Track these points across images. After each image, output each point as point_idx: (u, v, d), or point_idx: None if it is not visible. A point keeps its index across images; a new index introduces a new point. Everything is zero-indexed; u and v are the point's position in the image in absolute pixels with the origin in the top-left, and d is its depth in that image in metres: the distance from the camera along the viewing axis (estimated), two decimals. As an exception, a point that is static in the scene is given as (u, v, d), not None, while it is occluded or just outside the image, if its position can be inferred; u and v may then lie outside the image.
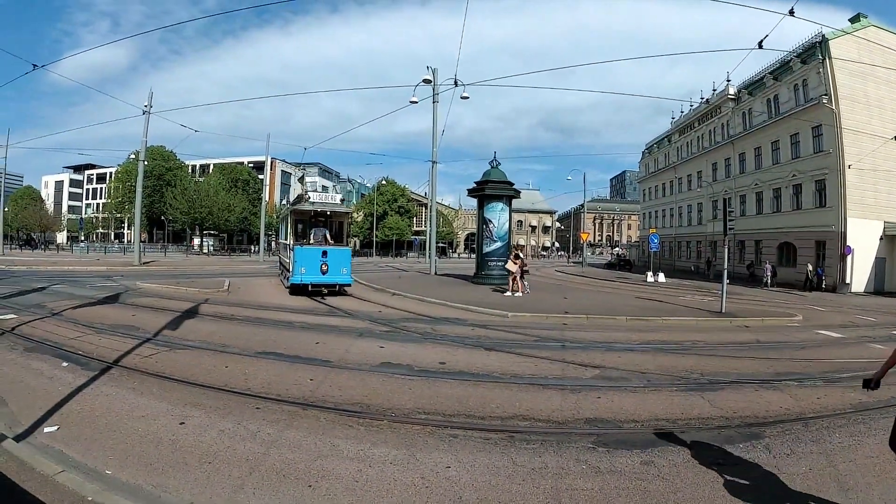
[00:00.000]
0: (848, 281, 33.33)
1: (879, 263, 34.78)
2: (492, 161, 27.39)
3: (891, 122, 34.01)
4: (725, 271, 19.28)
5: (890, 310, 23.50)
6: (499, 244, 26.12)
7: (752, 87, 46.19)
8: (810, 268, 35.09)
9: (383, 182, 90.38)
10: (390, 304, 17.67)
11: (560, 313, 16.02)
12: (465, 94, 26.88)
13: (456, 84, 25.92)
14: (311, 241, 19.26)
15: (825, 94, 35.24)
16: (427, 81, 27.94)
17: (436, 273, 31.63)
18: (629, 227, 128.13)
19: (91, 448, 4.96)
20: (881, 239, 34.78)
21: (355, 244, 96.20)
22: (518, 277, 21.10)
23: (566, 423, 6.36)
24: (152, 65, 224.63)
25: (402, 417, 6.26)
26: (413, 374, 8.35)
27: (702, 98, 50.86)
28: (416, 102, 27.79)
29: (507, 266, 22.51)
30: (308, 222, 20.95)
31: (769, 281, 35.80)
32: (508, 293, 20.82)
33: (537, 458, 5.21)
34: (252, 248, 74.54)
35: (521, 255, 22.54)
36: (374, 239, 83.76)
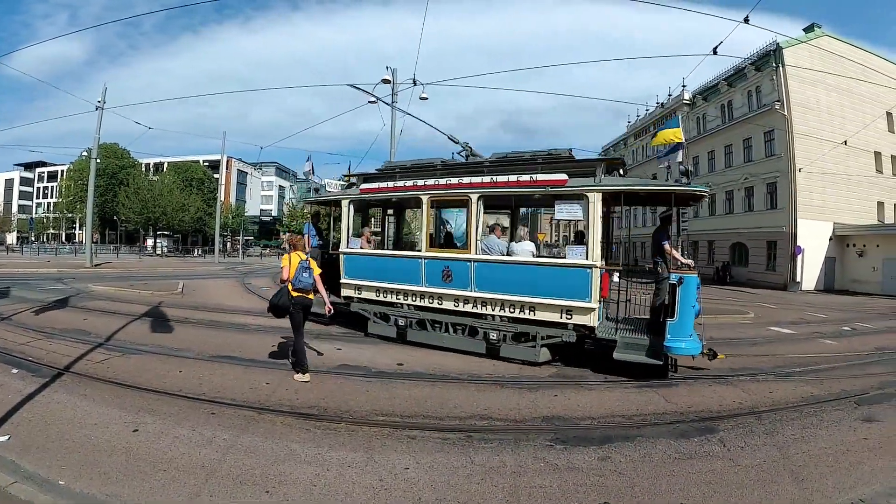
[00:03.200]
0: (798, 279, 34.38)
1: (829, 263, 36.12)
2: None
3: (840, 128, 35.36)
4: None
5: (839, 307, 24.33)
6: (457, 245, 26.03)
7: (707, 92, 47.59)
8: (718, 264, 40.54)
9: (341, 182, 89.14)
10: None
11: None
12: (423, 95, 26.79)
13: (415, 83, 25.80)
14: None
15: (778, 101, 36.52)
16: (386, 81, 27.74)
17: None
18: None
19: (44, 458, 4.78)
20: (830, 239, 36.16)
21: None
22: None
23: (524, 421, 6.41)
24: (110, 60, 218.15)
25: (360, 420, 6.22)
26: (370, 376, 8.30)
27: (658, 102, 52.06)
28: (375, 102, 27.61)
29: None
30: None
31: None
32: None
33: (496, 456, 5.23)
34: (196, 249, 73.31)
35: None
36: (332, 239, 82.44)
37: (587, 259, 9.21)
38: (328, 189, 14.24)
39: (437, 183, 10.75)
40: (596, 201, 9.17)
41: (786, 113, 35.81)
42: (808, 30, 39.40)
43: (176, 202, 69.31)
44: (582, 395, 7.83)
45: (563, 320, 9.35)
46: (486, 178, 10.25)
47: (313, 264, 8.21)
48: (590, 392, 8.01)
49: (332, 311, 9.01)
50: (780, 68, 36.91)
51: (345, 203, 12.21)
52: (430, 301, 10.73)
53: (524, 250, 10.13)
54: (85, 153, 59.31)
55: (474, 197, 10.26)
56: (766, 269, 38.14)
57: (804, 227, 35.13)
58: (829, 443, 6.17)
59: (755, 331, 15.14)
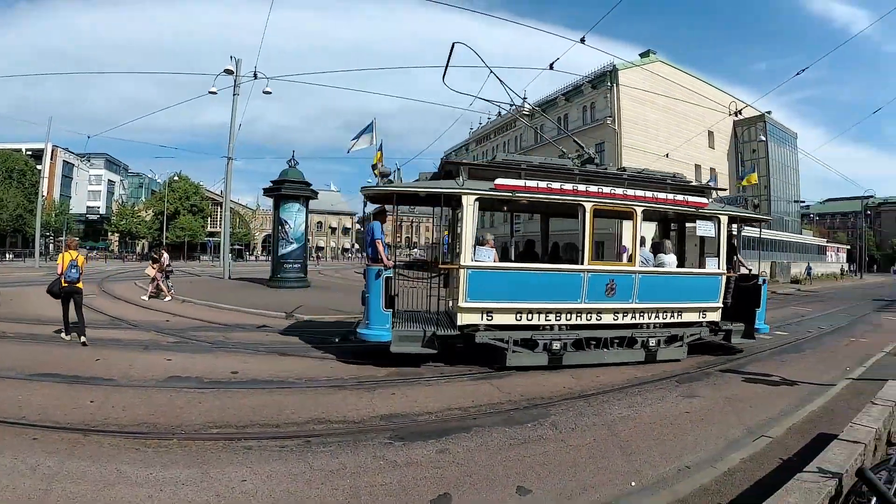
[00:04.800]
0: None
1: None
2: (290, 160, 26.54)
3: (664, 143, 39.76)
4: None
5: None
6: (295, 246, 25.39)
7: (546, 105, 51.20)
8: None
9: (175, 178, 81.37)
10: (179, 311, 16.21)
11: (358, 313, 16.05)
12: (267, 89, 26.24)
13: (255, 77, 25.09)
14: None
15: (610, 116, 40.26)
16: (229, 72, 26.67)
17: (230, 277, 29.96)
18: (427, 229, 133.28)
19: None
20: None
21: (143, 246, 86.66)
22: (160, 280, 19.60)
23: (362, 421, 6.44)
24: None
25: (193, 434, 5.89)
26: (203, 387, 7.85)
27: (498, 112, 55.17)
28: (216, 93, 26.50)
29: (146, 270, 20.58)
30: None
31: None
32: (145, 297, 18.92)
33: (335, 459, 5.22)
34: (8, 253, 65.74)
35: (163, 256, 20.81)
36: (164, 240, 72.00)
37: (719, 268, 11.03)
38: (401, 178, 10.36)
39: (600, 191, 10.11)
40: (725, 222, 11.15)
41: (616, 128, 39.30)
42: (643, 55, 45.23)
43: (-10, 197, 60.39)
44: (419, 391, 8.01)
45: (700, 319, 10.99)
46: (648, 193, 10.46)
47: (80, 261, 10.86)
48: (427, 388, 8.22)
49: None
50: (615, 87, 40.89)
51: (468, 200, 9.45)
52: (589, 318, 10.03)
53: (672, 262, 11.15)
54: None
55: (639, 210, 10.35)
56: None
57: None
58: (654, 418, 6.94)
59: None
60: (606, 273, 10.18)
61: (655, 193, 10.59)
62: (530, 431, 6.23)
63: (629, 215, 10.55)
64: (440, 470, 5.05)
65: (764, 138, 55.17)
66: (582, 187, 9.98)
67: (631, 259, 10.67)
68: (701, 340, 11.35)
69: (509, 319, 9.55)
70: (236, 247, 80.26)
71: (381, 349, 9.38)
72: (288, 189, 25.55)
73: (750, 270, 12.29)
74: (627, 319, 10.27)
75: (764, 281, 11.88)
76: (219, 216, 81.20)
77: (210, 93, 26.35)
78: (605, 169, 11.66)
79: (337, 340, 10.84)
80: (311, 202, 27.27)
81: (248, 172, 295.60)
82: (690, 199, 10.95)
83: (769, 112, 58.50)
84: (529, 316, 9.64)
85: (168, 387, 7.84)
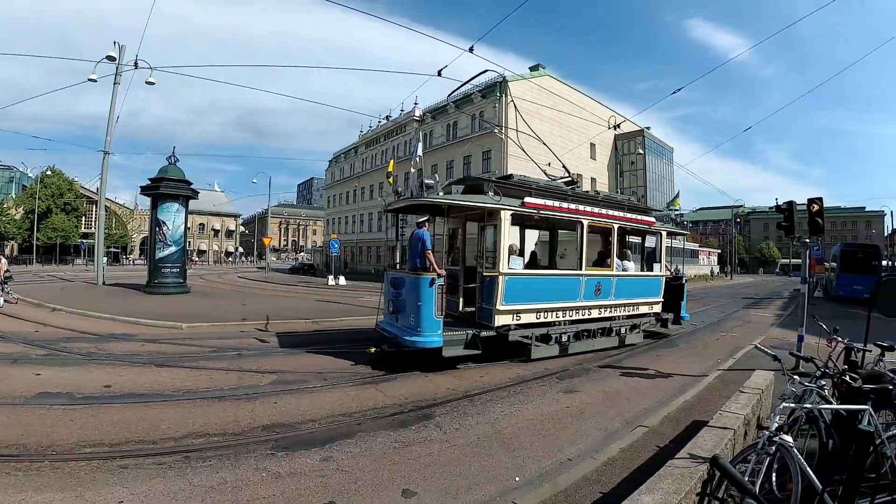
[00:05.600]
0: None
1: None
2: (170, 157, 25.21)
3: (549, 153, 41.26)
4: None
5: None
6: (174, 249, 24.22)
7: (436, 112, 51.97)
8: None
9: (49, 172, 72.40)
10: (50, 321, 14.93)
11: (238, 321, 15.54)
12: (150, 79, 24.94)
13: (136, 66, 23.84)
14: None
15: (498, 126, 41.26)
16: (111, 59, 25.09)
17: (104, 283, 28.12)
18: (314, 233, 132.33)
19: None
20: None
21: (13, 248, 78.51)
22: None
23: (243, 433, 6.28)
24: None
25: (65, 454, 5.50)
26: (75, 403, 7.31)
27: (388, 116, 55.59)
28: (96, 81, 24.87)
29: None
30: None
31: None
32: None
33: (215, 474, 5.07)
34: None
35: (1, 261, 19.37)
36: (35, 242, 67.36)
37: (661, 272, 14.56)
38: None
39: (593, 210, 12.43)
40: (664, 236, 14.70)
41: (503, 137, 40.54)
42: (533, 68, 47.67)
43: None
44: (303, 398, 7.88)
45: (649, 311, 14.16)
46: (620, 213, 13.23)
47: None
48: (311, 395, 8.11)
49: None
50: (504, 98, 42.33)
51: (505, 215, 10.66)
52: (584, 313, 12.28)
53: (632, 267, 13.71)
54: None
55: (616, 227, 12.97)
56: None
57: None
58: (536, 414, 7.30)
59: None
60: (596, 277, 12.47)
61: (625, 213, 13.44)
62: (415, 433, 6.37)
63: (609, 231, 12.98)
64: (324, 478, 5.05)
65: (642, 151, 59.44)
66: (582, 207, 12.23)
67: (608, 265, 12.99)
68: (649, 327, 14.36)
69: (531, 318, 11.23)
70: (112, 249, 74.45)
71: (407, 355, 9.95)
72: (167, 188, 24.31)
73: (672, 273, 15.57)
74: (607, 313, 12.86)
75: (686, 280, 15.58)
76: (94, 216, 74.87)
77: (90, 80, 24.73)
78: (587, 192, 13.88)
79: (372, 351, 10.48)
80: (192, 202, 26.15)
81: (126, 168, 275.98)
82: (645, 218, 14.10)
83: (648, 127, 63.02)
84: (546, 315, 11.53)
85: (38, 404, 7.25)
